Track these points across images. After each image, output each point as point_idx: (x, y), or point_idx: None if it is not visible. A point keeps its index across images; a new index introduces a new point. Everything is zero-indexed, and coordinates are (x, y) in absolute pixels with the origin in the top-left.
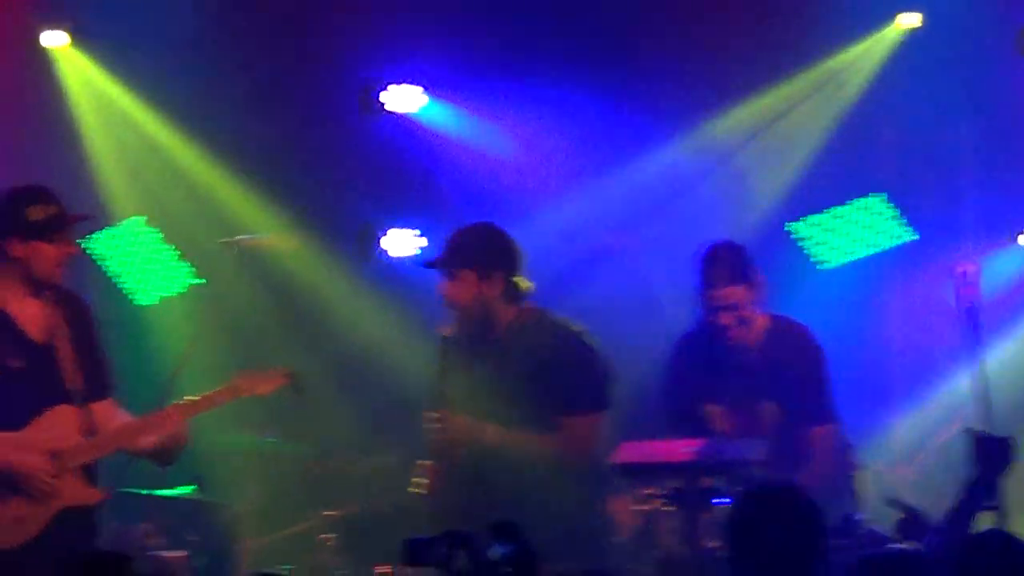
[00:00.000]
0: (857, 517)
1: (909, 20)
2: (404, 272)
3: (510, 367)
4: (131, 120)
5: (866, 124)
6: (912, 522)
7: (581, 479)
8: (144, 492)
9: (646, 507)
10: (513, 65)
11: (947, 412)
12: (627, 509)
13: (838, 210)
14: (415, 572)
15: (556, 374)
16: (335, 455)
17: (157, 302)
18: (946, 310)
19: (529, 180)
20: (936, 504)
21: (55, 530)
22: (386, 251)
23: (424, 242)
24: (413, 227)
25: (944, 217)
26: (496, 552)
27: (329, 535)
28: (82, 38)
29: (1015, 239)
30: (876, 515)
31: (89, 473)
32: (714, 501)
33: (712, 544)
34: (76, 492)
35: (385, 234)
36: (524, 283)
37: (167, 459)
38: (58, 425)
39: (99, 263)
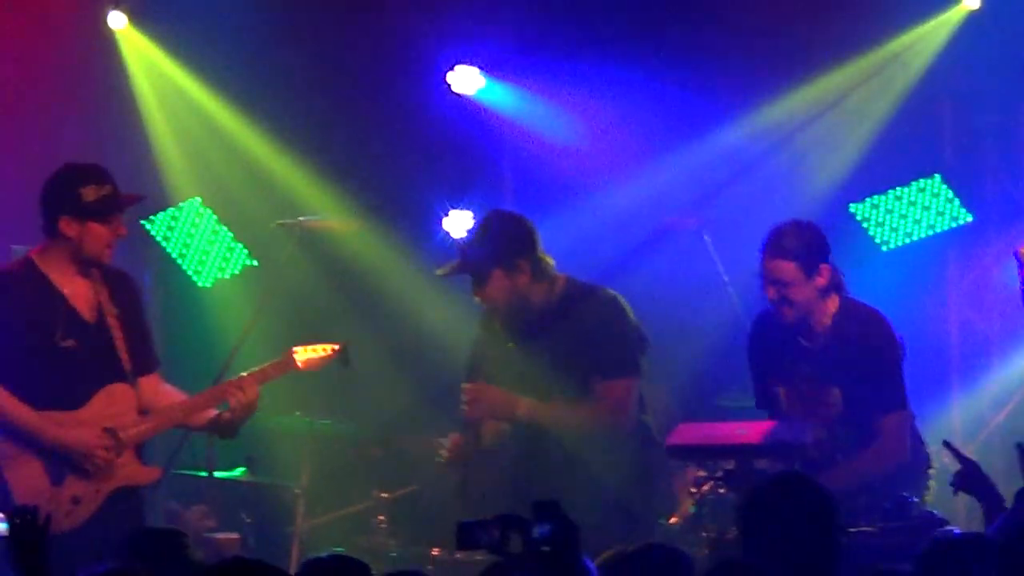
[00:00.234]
0: (912, 500)
1: (971, 2)
2: None
3: (546, 339)
4: (191, 101)
5: (927, 106)
6: (968, 474)
7: (622, 451)
8: (198, 473)
9: (700, 489)
10: (572, 45)
11: (1005, 394)
12: (684, 489)
13: (898, 191)
14: (468, 555)
15: (590, 339)
16: (390, 437)
17: (214, 283)
18: (1005, 292)
19: (589, 162)
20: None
21: (109, 510)
22: (448, 232)
23: None
24: (473, 209)
25: (1005, 199)
26: (537, 531)
27: (383, 517)
28: (142, 19)
29: None
30: (936, 498)
31: (140, 452)
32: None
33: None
34: (132, 471)
35: (447, 215)
36: (547, 258)
37: (228, 432)
38: (114, 403)
39: (159, 244)
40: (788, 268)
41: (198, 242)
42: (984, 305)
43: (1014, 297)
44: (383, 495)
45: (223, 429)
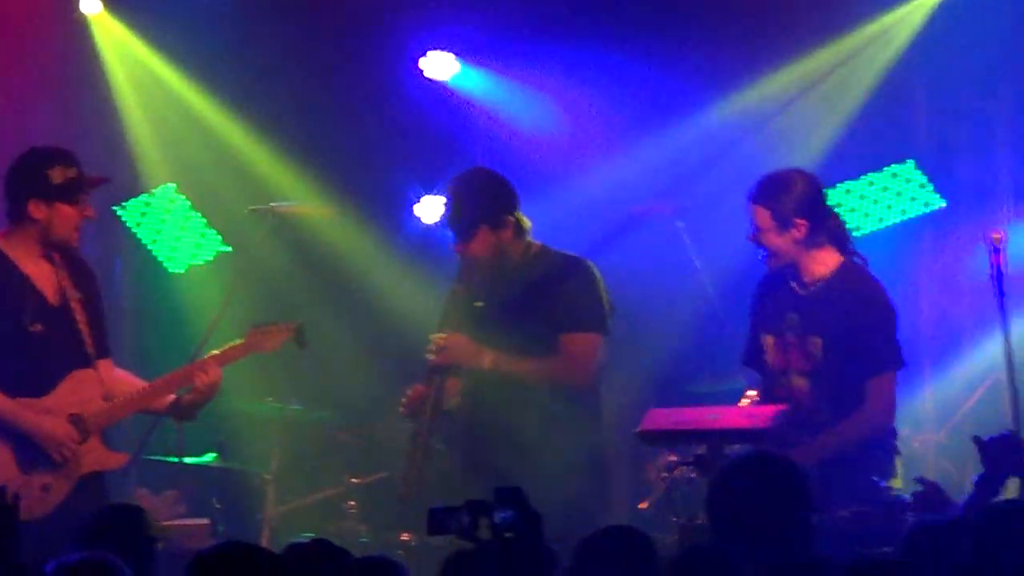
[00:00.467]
0: (881, 483)
1: None
2: (437, 239)
3: (515, 299)
4: (165, 87)
5: (900, 91)
6: (931, 497)
7: (581, 419)
8: (168, 459)
9: (671, 474)
10: (545, 31)
11: (977, 379)
12: (656, 475)
13: (871, 176)
14: (439, 541)
15: (558, 297)
16: (361, 423)
17: (187, 270)
18: (976, 277)
19: (562, 148)
20: (965, 470)
21: (77, 496)
22: (419, 218)
23: None
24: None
25: (978, 184)
26: (499, 517)
27: (353, 503)
28: (115, 4)
29: None
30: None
31: (105, 437)
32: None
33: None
34: (99, 457)
35: (419, 201)
36: (526, 220)
37: (188, 415)
38: (80, 390)
39: (130, 230)
40: (761, 214)
41: (171, 228)
42: (956, 291)
43: (986, 283)
44: (354, 481)
45: (183, 412)
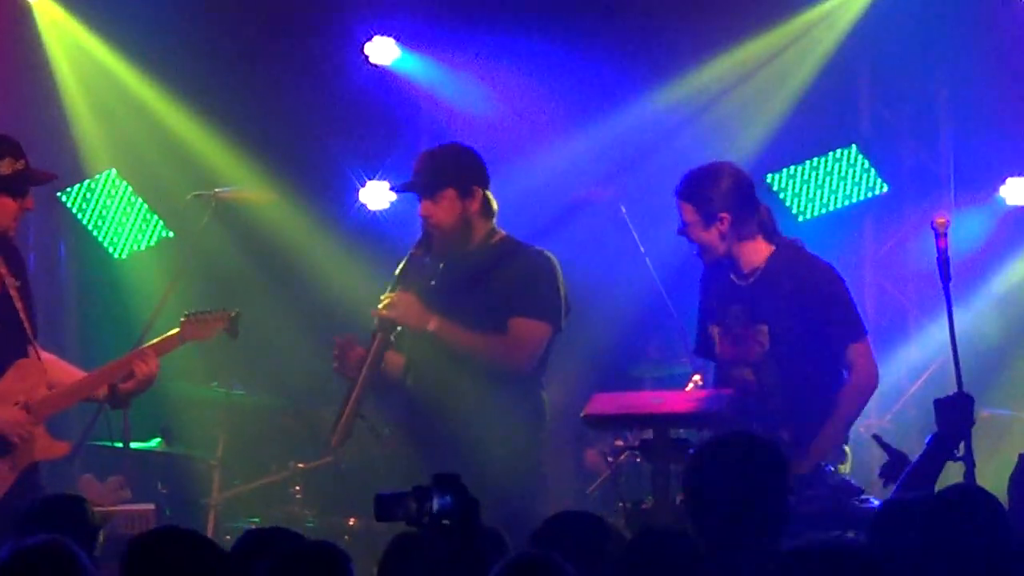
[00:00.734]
0: (828, 467)
1: None
2: (381, 225)
3: (471, 281)
4: (106, 72)
5: (843, 76)
6: (896, 464)
7: (520, 408)
8: (113, 445)
9: (617, 458)
10: (487, 17)
11: (922, 364)
12: (598, 460)
13: (814, 161)
14: (385, 525)
15: (514, 283)
16: (306, 408)
17: (130, 255)
18: (922, 262)
19: (504, 133)
20: (913, 454)
21: (20, 484)
22: (364, 204)
23: (395, 196)
24: (389, 179)
25: (922, 169)
26: (437, 504)
27: (299, 487)
28: None
29: (995, 191)
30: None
31: (47, 426)
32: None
33: (680, 496)
34: (44, 445)
35: (363, 186)
36: (494, 202)
37: (122, 403)
38: (25, 377)
39: (74, 215)
40: (687, 209)
41: (114, 214)
42: (901, 275)
43: (930, 267)
44: (299, 466)
45: (119, 400)
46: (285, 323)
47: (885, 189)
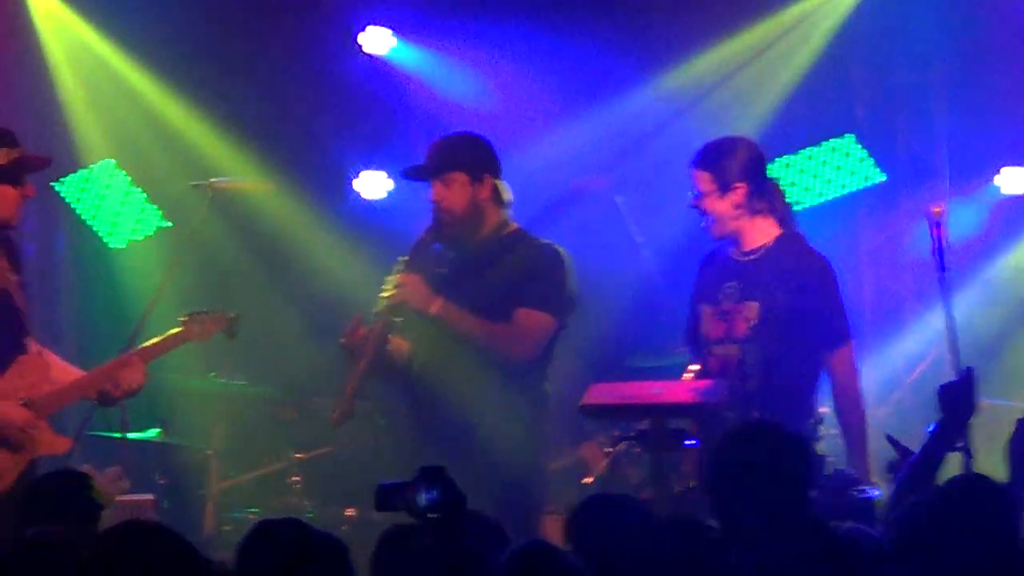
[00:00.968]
0: (826, 459)
1: None
2: (376, 214)
3: (480, 272)
4: (102, 62)
5: (839, 65)
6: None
7: (523, 400)
8: (112, 435)
9: (614, 449)
10: (482, 7)
11: (918, 353)
12: (596, 452)
13: (810, 151)
14: (385, 516)
15: (523, 271)
16: (304, 398)
17: (127, 245)
18: (918, 251)
19: (499, 123)
20: (912, 444)
21: (24, 480)
22: (359, 193)
23: (392, 185)
24: (385, 169)
25: (918, 158)
26: (424, 498)
27: (298, 478)
28: None
29: (990, 180)
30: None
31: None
32: (686, 443)
33: (678, 486)
34: (47, 440)
35: (359, 176)
36: (507, 191)
37: (112, 403)
38: (27, 374)
39: (70, 205)
40: (703, 178)
41: (111, 204)
42: (897, 265)
43: (927, 257)
44: (297, 456)
45: (109, 400)
46: (282, 313)
47: (883, 178)
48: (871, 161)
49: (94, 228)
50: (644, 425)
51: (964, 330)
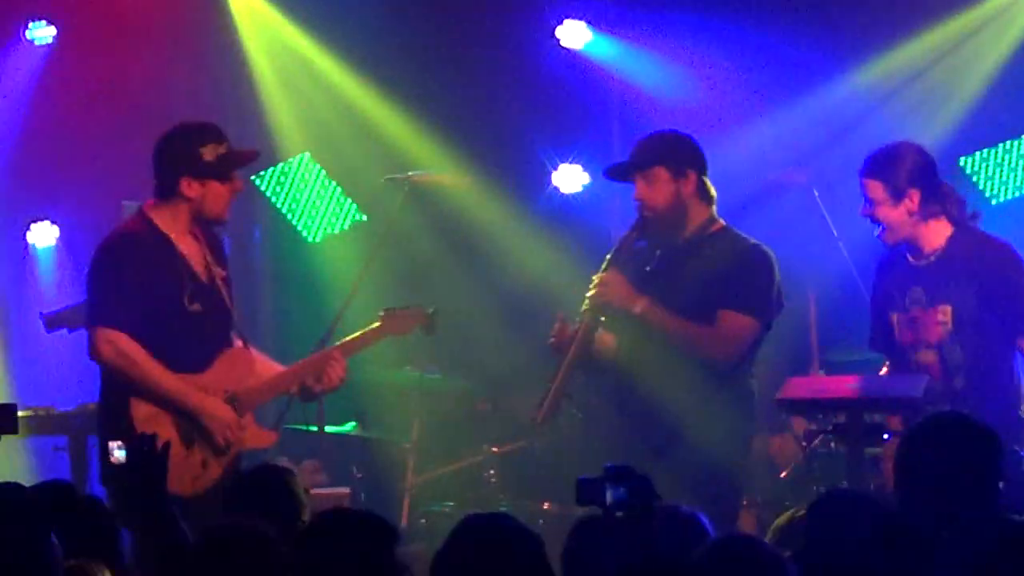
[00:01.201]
0: (1022, 453)
1: None
2: (572, 208)
3: (686, 269)
4: (300, 56)
5: None
6: None
7: (731, 403)
8: (309, 428)
9: (811, 442)
10: None
11: None
12: (789, 445)
13: (1009, 143)
14: (582, 510)
15: (728, 271)
16: (500, 393)
17: (324, 238)
18: None
19: (695, 116)
20: None
21: (229, 473)
22: (557, 187)
23: (587, 179)
24: (581, 163)
25: None
26: (612, 496)
27: (493, 472)
28: None
29: None
30: None
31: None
32: (886, 437)
33: (875, 481)
34: (253, 434)
35: (556, 169)
36: (712, 188)
37: (312, 399)
38: (234, 367)
39: (268, 199)
40: (875, 187)
41: (307, 197)
42: None
43: None
44: (493, 450)
45: (310, 396)
46: (478, 307)
47: None
48: None
49: (292, 221)
50: (840, 419)
51: None
